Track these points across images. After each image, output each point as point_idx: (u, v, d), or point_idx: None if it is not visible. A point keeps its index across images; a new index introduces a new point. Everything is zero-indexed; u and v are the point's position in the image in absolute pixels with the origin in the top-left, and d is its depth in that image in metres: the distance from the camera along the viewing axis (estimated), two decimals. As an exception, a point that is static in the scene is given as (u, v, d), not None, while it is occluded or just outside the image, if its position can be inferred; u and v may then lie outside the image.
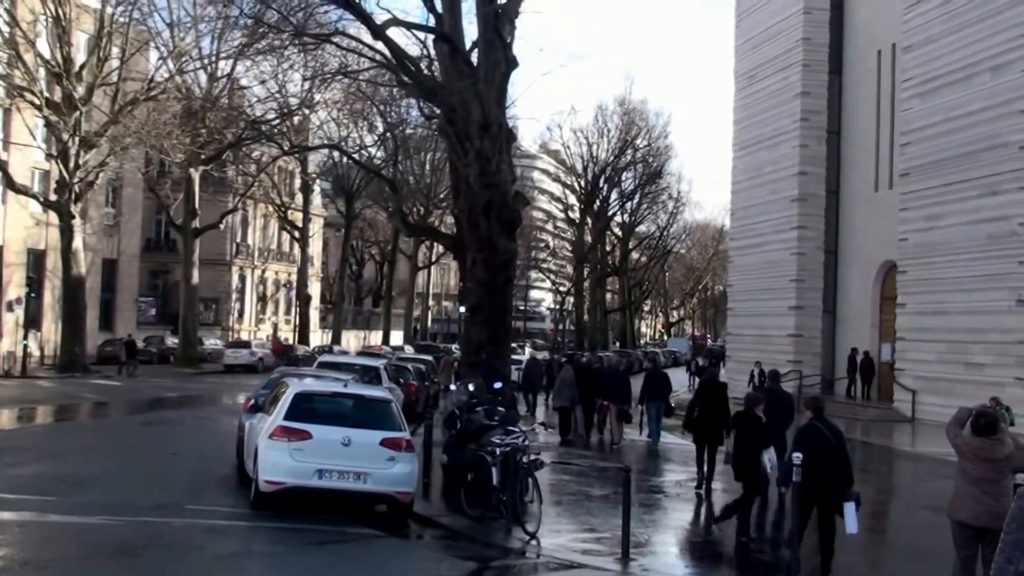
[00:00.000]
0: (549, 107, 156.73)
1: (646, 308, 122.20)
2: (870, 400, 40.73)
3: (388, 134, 59.42)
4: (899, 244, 38.10)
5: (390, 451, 13.30)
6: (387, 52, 23.54)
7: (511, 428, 14.19)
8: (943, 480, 17.56)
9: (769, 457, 13.24)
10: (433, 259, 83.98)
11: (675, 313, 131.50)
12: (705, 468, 18.21)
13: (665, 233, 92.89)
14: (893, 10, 39.77)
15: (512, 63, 23.18)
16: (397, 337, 74.11)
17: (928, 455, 26.33)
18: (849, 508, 11.30)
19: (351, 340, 72.96)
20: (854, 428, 34.20)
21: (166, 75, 45.85)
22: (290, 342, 62.27)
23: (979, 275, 33.03)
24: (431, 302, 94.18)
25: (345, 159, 61.23)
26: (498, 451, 13.53)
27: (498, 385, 16.57)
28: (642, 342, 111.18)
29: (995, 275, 32.20)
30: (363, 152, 60.38)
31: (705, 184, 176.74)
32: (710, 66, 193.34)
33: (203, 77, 50.46)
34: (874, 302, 43.02)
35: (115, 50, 42.32)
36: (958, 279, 34.15)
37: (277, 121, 51.35)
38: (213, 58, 49.18)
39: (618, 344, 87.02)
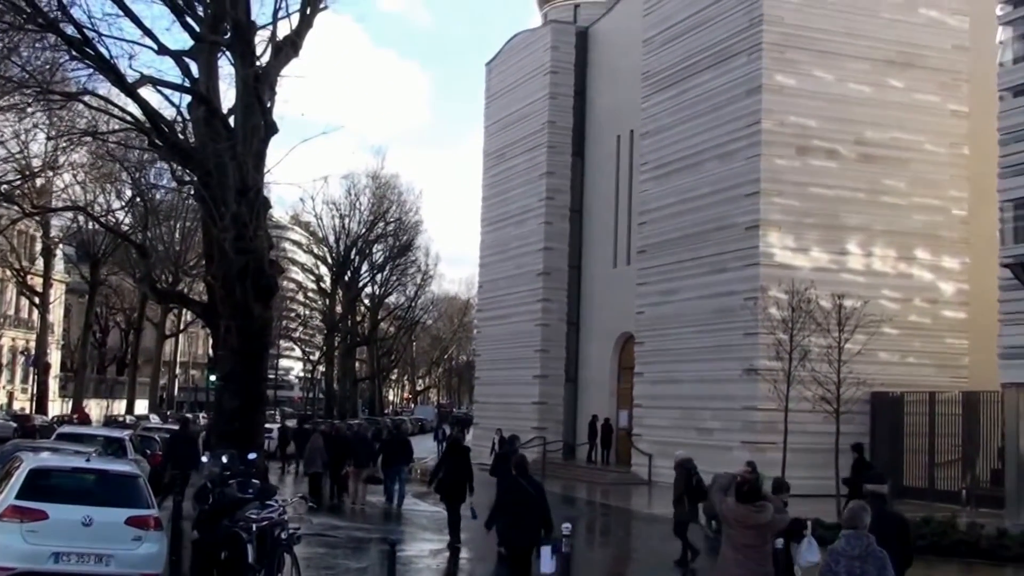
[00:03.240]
0: (301, 179, 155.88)
1: (394, 377, 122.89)
2: (609, 464, 42.53)
3: (138, 199, 57.69)
4: (636, 317, 40.18)
5: (136, 530, 12.45)
6: (140, 113, 23.00)
7: (268, 502, 13.60)
8: (678, 541, 18.80)
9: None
10: (181, 327, 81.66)
11: (422, 381, 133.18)
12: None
13: (413, 304, 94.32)
14: (631, 99, 42.24)
15: (272, 128, 22.94)
16: (142, 406, 71.48)
17: (664, 516, 27.53)
18: (545, 551, 12.14)
19: (94, 409, 69.80)
20: (595, 491, 35.71)
21: None
22: (66, 414, 58.83)
23: (708, 346, 35.09)
24: (178, 370, 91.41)
25: (91, 223, 58.88)
26: (254, 526, 12.89)
27: (253, 456, 16.42)
28: (389, 410, 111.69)
29: (723, 346, 34.28)
30: (111, 217, 58.24)
31: (449, 259, 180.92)
32: (454, 147, 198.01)
33: (-65, 133, 47.64)
34: (613, 371, 45.13)
35: None
36: (689, 350, 36.17)
37: (18, 182, 48.95)
38: (-54, 114, 46.56)
39: (367, 412, 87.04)
